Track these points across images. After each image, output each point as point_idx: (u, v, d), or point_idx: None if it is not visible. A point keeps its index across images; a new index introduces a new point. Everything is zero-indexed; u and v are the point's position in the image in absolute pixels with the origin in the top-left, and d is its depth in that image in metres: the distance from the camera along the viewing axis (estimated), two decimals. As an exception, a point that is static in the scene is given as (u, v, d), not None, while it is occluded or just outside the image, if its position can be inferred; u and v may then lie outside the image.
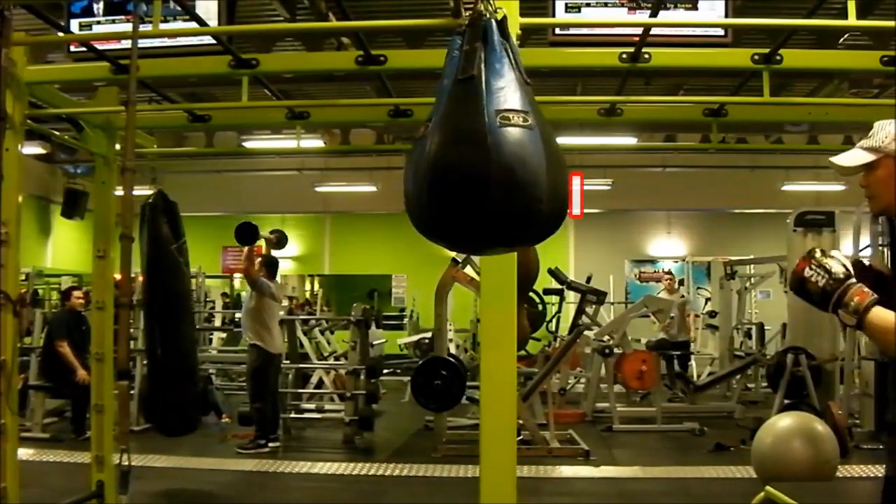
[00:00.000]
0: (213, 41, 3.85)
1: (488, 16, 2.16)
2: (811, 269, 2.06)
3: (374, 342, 10.49)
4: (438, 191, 2.06)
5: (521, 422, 6.50)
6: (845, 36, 7.35)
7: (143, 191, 4.04)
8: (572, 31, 3.91)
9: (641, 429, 8.14)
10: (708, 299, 13.75)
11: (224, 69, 3.79)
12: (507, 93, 2.07)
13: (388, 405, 9.64)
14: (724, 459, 6.63)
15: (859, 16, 3.40)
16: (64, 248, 14.73)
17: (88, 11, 4.10)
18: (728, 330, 10.95)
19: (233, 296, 13.66)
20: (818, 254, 2.08)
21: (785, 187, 13.33)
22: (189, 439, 5.44)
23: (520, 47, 3.05)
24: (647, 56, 3.60)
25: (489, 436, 3.19)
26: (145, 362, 8.15)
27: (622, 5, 3.87)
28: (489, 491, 3.13)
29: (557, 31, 3.90)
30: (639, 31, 3.57)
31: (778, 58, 3.68)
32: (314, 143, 11.27)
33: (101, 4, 4.09)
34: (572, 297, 11.08)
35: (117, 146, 4.62)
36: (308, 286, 16.71)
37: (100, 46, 3.93)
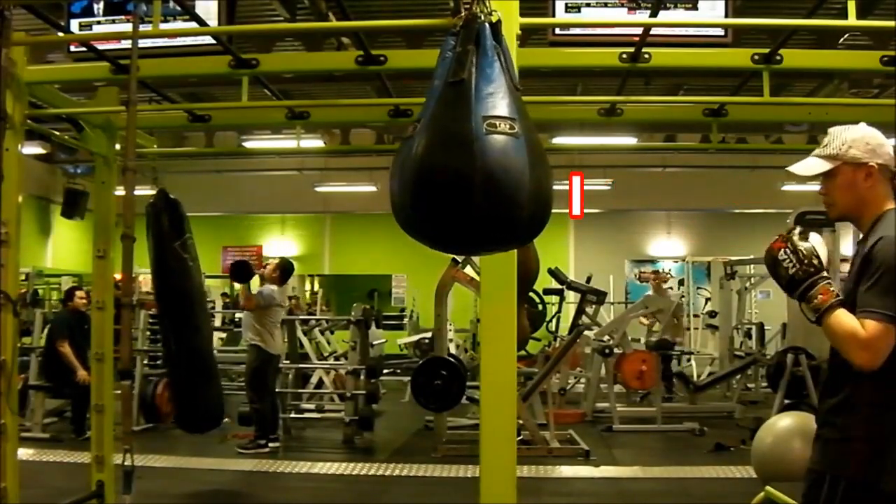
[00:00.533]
0: (213, 41, 3.86)
1: (483, 18, 2.16)
2: (785, 252, 2.05)
3: (374, 342, 10.47)
4: (422, 192, 2.11)
5: (521, 422, 6.49)
6: (845, 36, 7.34)
7: (143, 191, 4.03)
8: (572, 31, 3.91)
9: (641, 429, 8.14)
10: (708, 299, 13.76)
11: (224, 69, 3.79)
12: (496, 99, 2.10)
13: (388, 405, 9.63)
14: (724, 459, 6.62)
15: (859, 16, 3.41)
16: (64, 248, 14.72)
17: (88, 11, 4.10)
18: (728, 330, 10.93)
19: (233, 296, 13.63)
20: (795, 236, 2.07)
21: (785, 187, 13.29)
22: (189, 439, 5.43)
23: (520, 47, 3.07)
24: (647, 56, 3.60)
25: (489, 436, 3.18)
26: (145, 362, 8.21)
27: (622, 5, 3.88)
28: (489, 491, 3.12)
29: (557, 31, 3.91)
30: (639, 31, 3.57)
31: (778, 58, 3.68)
32: (314, 143, 11.26)
33: (101, 4, 4.09)
34: (572, 297, 11.09)
35: (117, 146, 4.62)
36: (308, 286, 16.70)
37: (100, 46, 3.93)
